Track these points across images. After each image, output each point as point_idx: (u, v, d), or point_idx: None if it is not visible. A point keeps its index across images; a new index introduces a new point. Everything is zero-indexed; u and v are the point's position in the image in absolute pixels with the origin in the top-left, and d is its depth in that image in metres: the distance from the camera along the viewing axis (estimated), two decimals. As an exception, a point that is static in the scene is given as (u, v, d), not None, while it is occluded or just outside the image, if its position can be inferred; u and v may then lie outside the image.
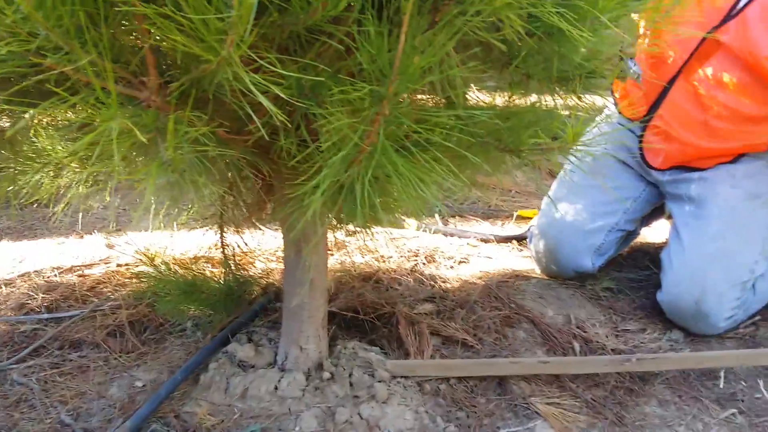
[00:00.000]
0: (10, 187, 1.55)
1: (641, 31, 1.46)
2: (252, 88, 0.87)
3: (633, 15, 1.29)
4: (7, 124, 1.53)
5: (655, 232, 2.68)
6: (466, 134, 1.17)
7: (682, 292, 1.97)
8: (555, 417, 1.53)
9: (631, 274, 2.39)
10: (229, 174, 1.28)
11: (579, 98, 1.25)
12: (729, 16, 1.86)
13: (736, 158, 2.05)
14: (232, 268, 1.93)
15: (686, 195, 2.12)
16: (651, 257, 2.45)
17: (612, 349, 1.84)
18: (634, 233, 2.43)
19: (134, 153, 1.08)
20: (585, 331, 1.94)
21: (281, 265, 2.35)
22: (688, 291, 1.95)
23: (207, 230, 1.90)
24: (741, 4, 1.84)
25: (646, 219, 2.50)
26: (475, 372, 1.68)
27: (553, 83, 1.25)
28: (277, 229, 2.39)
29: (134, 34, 0.97)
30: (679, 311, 1.98)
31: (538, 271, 2.42)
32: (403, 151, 1.06)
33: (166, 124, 0.92)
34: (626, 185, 2.28)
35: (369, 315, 1.88)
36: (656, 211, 2.40)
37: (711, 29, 1.87)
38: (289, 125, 1.05)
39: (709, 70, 1.92)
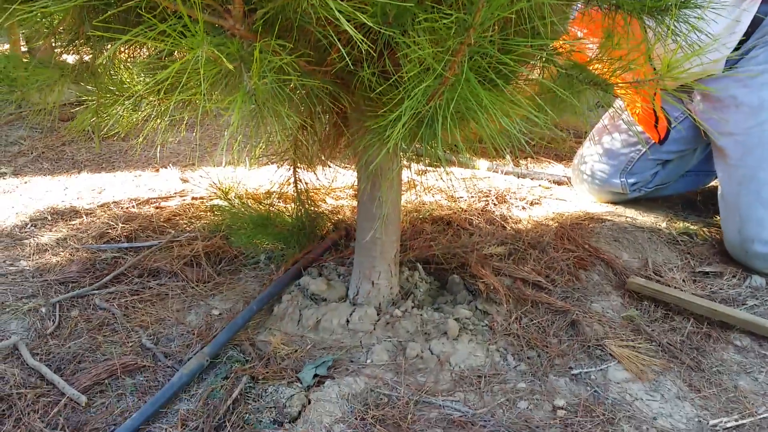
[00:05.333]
0: (93, 119, 1.59)
1: None
2: (338, 14, 0.85)
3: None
4: (87, 58, 1.57)
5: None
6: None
7: (728, 226, 2.00)
8: (629, 360, 1.50)
9: (710, 219, 2.31)
10: (309, 105, 1.27)
11: (671, 29, 1.18)
12: None
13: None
14: (304, 203, 1.95)
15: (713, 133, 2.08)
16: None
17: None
18: (678, 163, 2.41)
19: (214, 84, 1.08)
20: (661, 276, 1.89)
21: (352, 202, 2.36)
22: (731, 223, 1.98)
23: (279, 166, 1.92)
24: None
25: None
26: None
27: (645, 13, 1.18)
28: (346, 167, 2.40)
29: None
30: (731, 247, 2.00)
31: (578, 190, 2.58)
32: (486, 83, 1.03)
33: (251, 53, 0.91)
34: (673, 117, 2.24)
35: (441, 265, 1.88)
36: None
37: None
38: (373, 54, 1.03)
39: None
